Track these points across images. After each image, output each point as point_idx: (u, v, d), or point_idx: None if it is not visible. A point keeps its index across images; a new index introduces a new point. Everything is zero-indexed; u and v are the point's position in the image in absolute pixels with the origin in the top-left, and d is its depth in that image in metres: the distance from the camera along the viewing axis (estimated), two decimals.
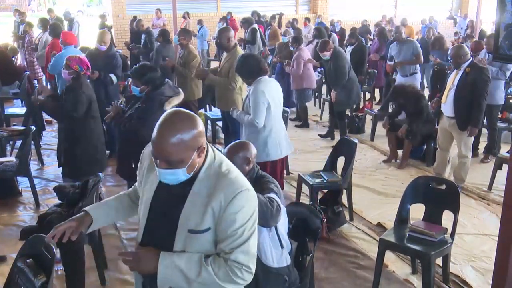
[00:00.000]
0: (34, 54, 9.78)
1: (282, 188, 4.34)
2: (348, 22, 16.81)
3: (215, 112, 7.33)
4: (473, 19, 14.00)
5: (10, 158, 5.58)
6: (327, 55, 7.07)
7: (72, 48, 6.56)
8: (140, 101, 4.54)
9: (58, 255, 3.40)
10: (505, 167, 5.17)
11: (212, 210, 1.83)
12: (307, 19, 15.02)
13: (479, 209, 5.19)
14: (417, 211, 3.93)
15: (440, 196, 3.78)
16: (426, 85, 10.09)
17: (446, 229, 3.67)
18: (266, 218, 2.72)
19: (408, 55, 7.88)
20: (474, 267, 4.07)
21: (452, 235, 3.63)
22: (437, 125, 5.86)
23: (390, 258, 4.07)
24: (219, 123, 7.00)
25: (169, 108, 4.38)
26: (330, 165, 5.03)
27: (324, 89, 9.44)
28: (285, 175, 5.50)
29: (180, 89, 4.86)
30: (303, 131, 8.26)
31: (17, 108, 8.44)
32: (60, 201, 3.96)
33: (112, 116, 4.59)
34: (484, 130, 6.60)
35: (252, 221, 1.87)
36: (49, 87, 10.00)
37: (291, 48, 8.26)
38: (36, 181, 5.50)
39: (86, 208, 2.16)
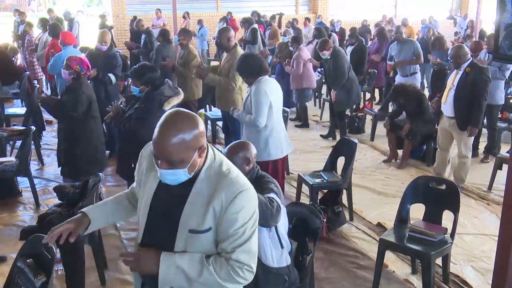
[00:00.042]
0: (34, 54, 9.78)
1: (283, 188, 4.35)
2: (348, 22, 16.79)
3: (215, 112, 7.34)
4: (473, 19, 14.01)
5: (10, 158, 5.58)
6: (326, 54, 7.07)
7: (71, 48, 6.57)
8: (140, 101, 4.54)
9: (58, 255, 3.40)
10: (505, 167, 5.17)
11: (213, 210, 1.83)
12: (307, 19, 15.01)
13: (479, 209, 5.19)
14: (417, 211, 3.93)
15: (440, 196, 3.78)
16: (426, 85, 10.09)
17: (446, 229, 3.67)
18: (266, 218, 2.72)
19: (409, 55, 7.89)
20: (474, 267, 4.07)
21: (452, 235, 3.63)
22: (437, 125, 5.86)
23: (390, 258, 4.07)
24: (219, 123, 7.01)
25: (168, 108, 4.38)
26: (330, 165, 5.03)
27: (324, 89, 9.44)
28: (285, 175, 5.49)
29: (180, 89, 4.86)
30: (303, 131, 8.26)
31: (17, 108, 8.42)
32: (60, 201, 3.97)
33: (112, 116, 4.59)
34: (484, 130, 6.60)
35: (253, 221, 1.88)
36: (49, 87, 10.02)
37: (291, 48, 8.26)
38: (36, 181, 5.50)
39: (83, 209, 2.14)
